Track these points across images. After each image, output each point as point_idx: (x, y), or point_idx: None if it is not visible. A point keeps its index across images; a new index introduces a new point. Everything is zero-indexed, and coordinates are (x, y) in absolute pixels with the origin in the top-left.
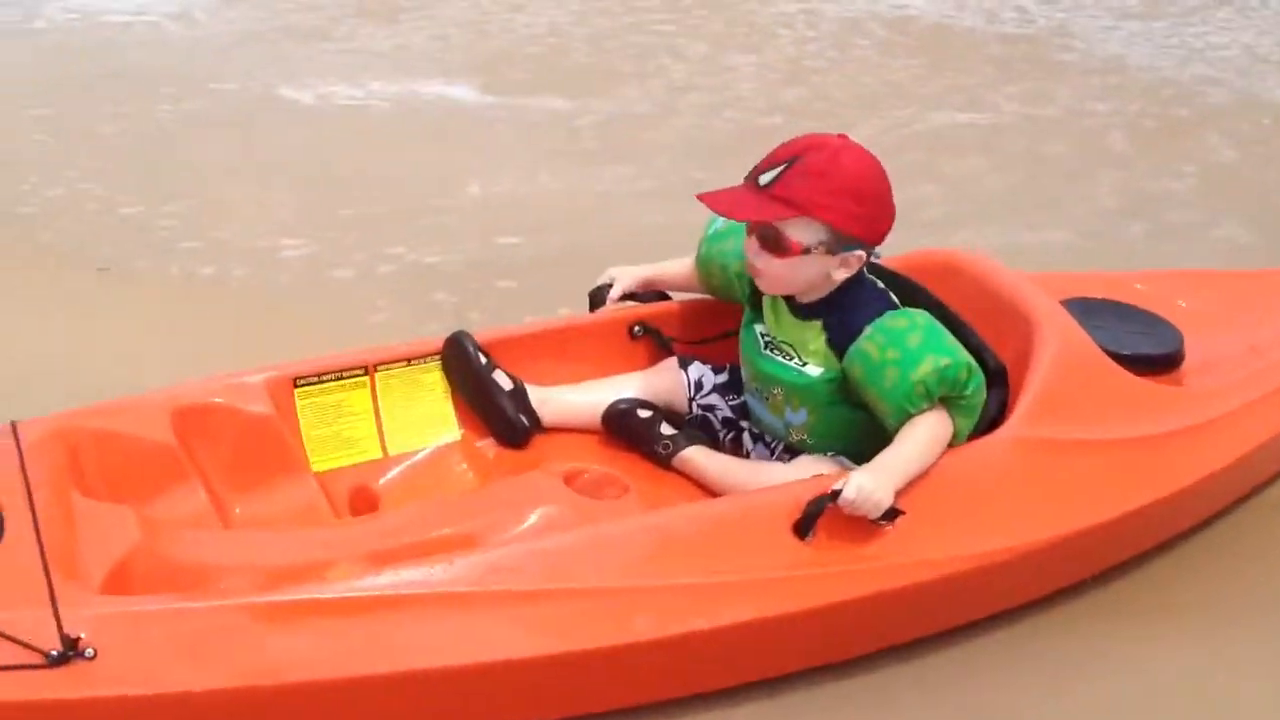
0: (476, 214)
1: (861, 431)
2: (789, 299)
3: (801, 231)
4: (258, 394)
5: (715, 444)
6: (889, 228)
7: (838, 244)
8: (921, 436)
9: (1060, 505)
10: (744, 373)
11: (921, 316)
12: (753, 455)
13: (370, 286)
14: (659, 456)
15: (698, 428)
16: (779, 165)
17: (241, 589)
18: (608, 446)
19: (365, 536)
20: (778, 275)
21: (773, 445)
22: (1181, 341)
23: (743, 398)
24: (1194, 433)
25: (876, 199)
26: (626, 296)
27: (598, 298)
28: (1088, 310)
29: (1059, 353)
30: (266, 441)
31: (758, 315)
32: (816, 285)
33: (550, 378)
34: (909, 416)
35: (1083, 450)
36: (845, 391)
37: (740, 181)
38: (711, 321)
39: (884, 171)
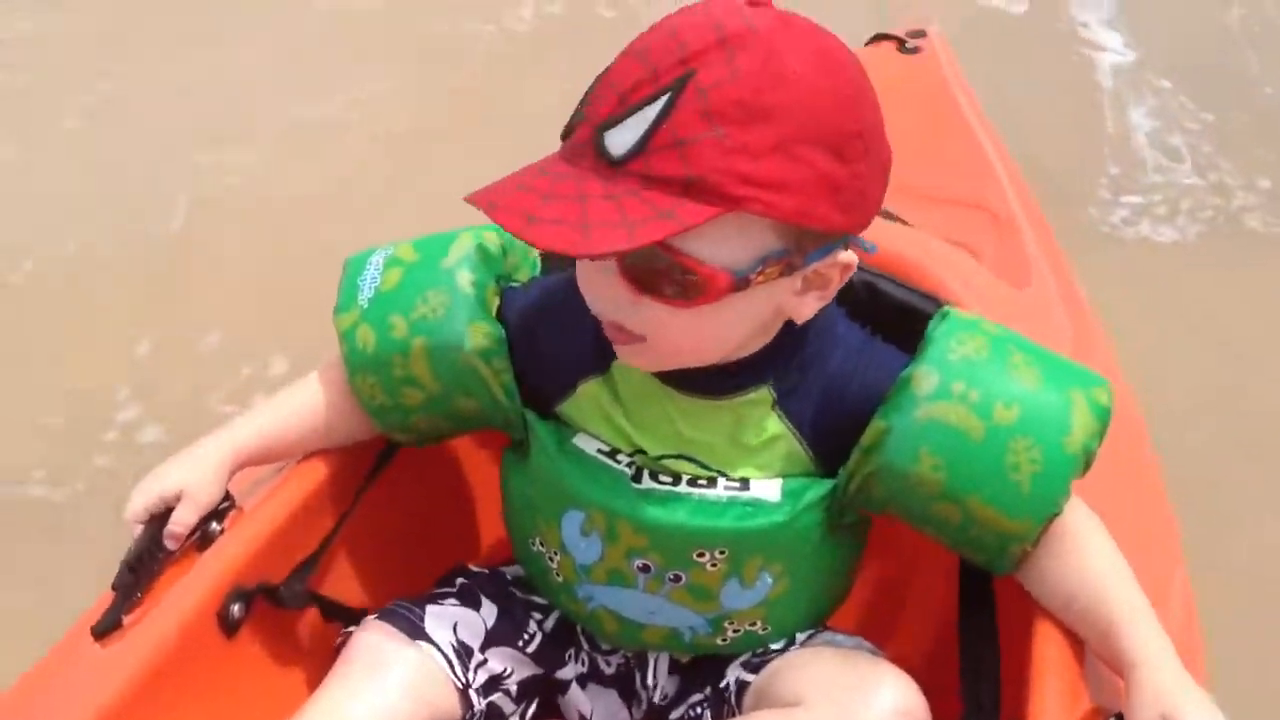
0: None
1: (833, 573)
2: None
3: (725, 244)
4: None
5: None
6: (882, 193)
7: (802, 249)
8: (1117, 560)
9: None
10: (566, 545)
11: (972, 321)
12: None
13: None
14: None
15: None
16: (650, 97)
17: None
18: None
19: None
20: (678, 343)
21: (687, 674)
22: None
23: (548, 616)
24: None
25: (866, 139)
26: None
27: (149, 553)
28: None
29: None
30: None
31: (585, 417)
32: (756, 337)
33: None
34: (1048, 523)
35: None
36: (839, 513)
37: (558, 150)
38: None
39: (865, 77)
